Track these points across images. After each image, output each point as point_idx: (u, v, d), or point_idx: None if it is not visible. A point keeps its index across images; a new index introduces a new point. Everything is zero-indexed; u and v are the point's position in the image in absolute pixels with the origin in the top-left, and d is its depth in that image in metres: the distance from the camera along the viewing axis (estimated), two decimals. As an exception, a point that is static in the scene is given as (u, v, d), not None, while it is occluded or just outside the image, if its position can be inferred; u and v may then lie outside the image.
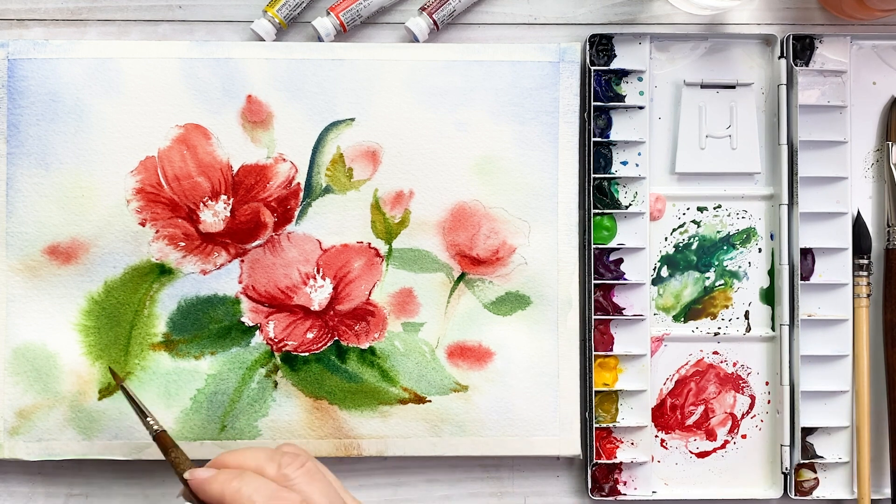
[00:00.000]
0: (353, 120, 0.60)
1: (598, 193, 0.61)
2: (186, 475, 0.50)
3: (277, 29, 0.61)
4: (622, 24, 0.63)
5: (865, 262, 0.61)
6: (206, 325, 0.60)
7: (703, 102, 0.62)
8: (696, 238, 0.62)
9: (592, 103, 0.61)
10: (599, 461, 0.61)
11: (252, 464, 0.49)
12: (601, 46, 0.61)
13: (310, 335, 0.60)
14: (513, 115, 0.60)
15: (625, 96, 0.62)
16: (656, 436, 0.62)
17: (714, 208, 0.62)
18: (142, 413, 0.54)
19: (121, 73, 0.60)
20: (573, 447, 0.60)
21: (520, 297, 0.61)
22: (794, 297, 0.61)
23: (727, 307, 0.62)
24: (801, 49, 0.62)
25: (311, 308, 0.60)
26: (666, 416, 0.62)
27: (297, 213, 0.60)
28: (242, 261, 0.60)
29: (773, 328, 0.62)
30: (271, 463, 0.49)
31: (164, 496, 0.62)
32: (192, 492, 0.50)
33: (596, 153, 0.61)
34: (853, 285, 0.61)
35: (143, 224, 0.60)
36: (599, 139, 0.61)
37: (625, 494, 0.61)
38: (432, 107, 0.60)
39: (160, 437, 0.53)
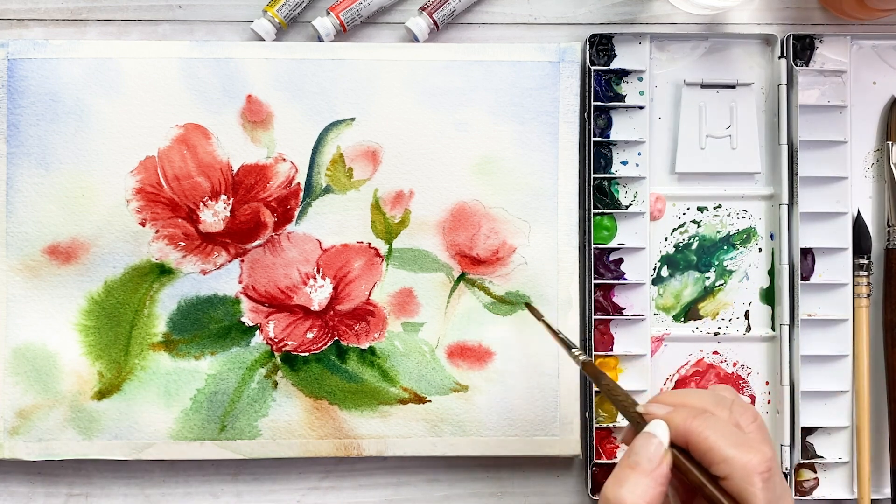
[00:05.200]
0: (353, 120, 0.60)
1: (598, 193, 0.61)
2: (640, 408, 0.45)
3: (277, 29, 0.61)
4: (622, 24, 0.63)
5: (865, 262, 0.61)
6: (206, 325, 0.60)
7: (703, 102, 0.62)
8: (697, 238, 0.62)
9: (592, 103, 0.61)
10: (599, 461, 0.61)
11: (696, 403, 0.44)
12: (601, 46, 0.61)
13: (310, 335, 0.60)
14: (513, 115, 0.60)
15: (625, 96, 0.62)
16: (656, 436, 0.62)
17: (714, 208, 0.62)
18: (567, 345, 0.54)
19: (121, 73, 0.60)
20: (573, 447, 0.60)
21: (520, 297, 0.61)
22: (794, 297, 0.61)
23: (727, 307, 0.62)
24: (801, 49, 0.62)
25: (311, 308, 0.60)
26: (666, 416, 0.62)
27: (297, 213, 0.60)
28: (242, 261, 0.60)
29: (773, 328, 0.62)
30: (721, 408, 0.44)
31: (164, 496, 0.62)
32: (634, 423, 0.46)
33: (596, 153, 0.61)
34: (853, 285, 0.61)
35: (143, 224, 0.60)
36: (599, 139, 0.61)
37: (625, 494, 0.61)
38: (432, 107, 0.60)
39: (586, 366, 0.51)
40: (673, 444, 0.43)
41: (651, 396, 0.47)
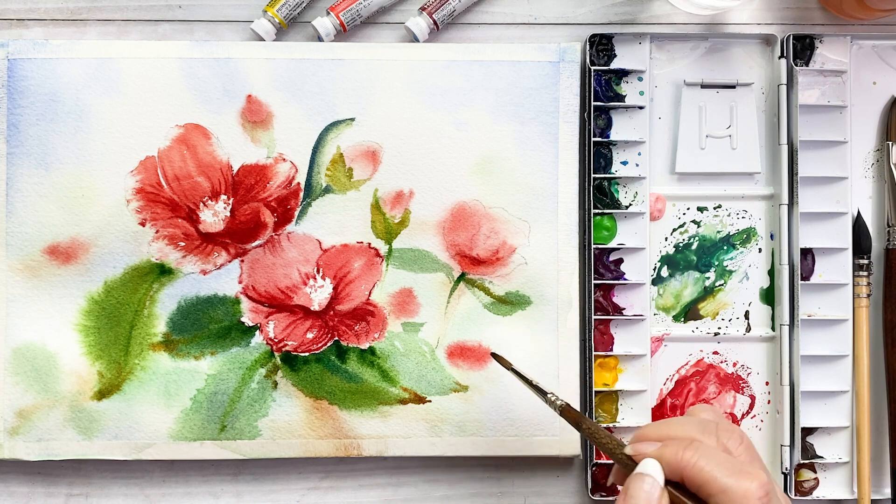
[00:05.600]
0: (353, 120, 0.60)
1: (598, 193, 0.61)
2: (627, 450, 0.44)
3: (277, 29, 0.61)
4: (622, 24, 0.63)
5: (865, 262, 0.61)
6: (206, 325, 0.60)
7: (703, 102, 0.62)
8: (697, 238, 0.62)
9: (592, 103, 0.61)
10: (599, 461, 0.61)
11: (682, 434, 0.43)
12: (601, 46, 0.61)
13: (310, 335, 0.60)
14: (513, 115, 0.60)
15: (625, 96, 0.62)
16: (656, 436, 0.62)
17: (714, 208, 0.62)
18: (541, 392, 0.52)
19: (121, 73, 0.60)
20: (573, 447, 0.60)
21: (520, 297, 0.61)
22: (794, 297, 0.61)
23: (727, 307, 0.62)
24: (801, 49, 0.62)
25: (311, 308, 0.60)
26: (666, 416, 0.62)
27: (297, 213, 0.60)
28: (242, 261, 0.60)
29: (773, 328, 0.62)
30: (707, 434, 0.43)
31: (164, 496, 0.62)
32: (623, 465, 0.44)
33: (596, 153, 0.61)
34: (853, 285, 0.61)
35: (143, 224, 0.60)
36: (599, 139, 0.61)
37: (625, 494, 0.61)
38: (432, 107, 0.60)
39: (566, 412, 0.50)
40: (666, 481, 0.43)
41: (634, 433, 0.46)
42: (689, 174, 0.62)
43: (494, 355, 0.57)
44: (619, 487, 0.44)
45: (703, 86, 0.62)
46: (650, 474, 0.42)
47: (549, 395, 0.52)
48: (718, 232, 0.62)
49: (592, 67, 0.61)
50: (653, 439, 0.44)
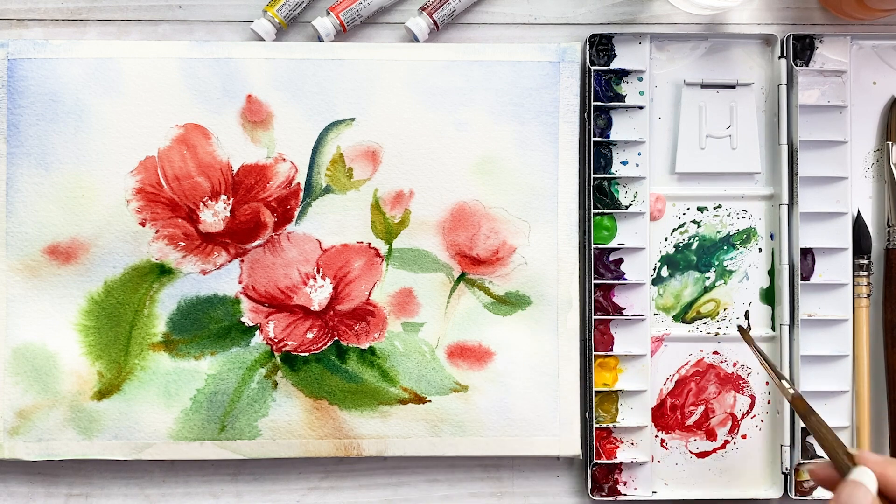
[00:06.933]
0: (353, 120, 0.60)
1: (598, 193, 0.61)
2: (854, 451, 0.46)
3: (277, 29, 0.61)
4: (622, 24, 0.63)
5: (865, 262, 0.61)
6: (206, 325, 0.60)
7: (703, 102, 0.62)
8: (697, 238, 0.62)
9: (592, 103, 0.61)
10: (599, 461, 0.61)
11: None
12: (601, 46, 0.61)
13: (310, 335, 0.60)
14: (513, 115, 0.60)
15: (625, 96, 0.62)
16: (656, 436, 0.62)
17: (714, 208, 0.62)
18: (778, 376, 0.54)
19: (121, 73, 0.60)
20: (573, 447, 0.60)
21: (520, 297, 0.61)
22: (794, 297, 0.61)
23: (727, 307, 0.62)
24: (801, 49, 0.62)
25: (311, 308, 0.60)
26: (666, 416, 0.62)
27: (297, 213, 0.60)
28: (242, 261, 0.60)
29: (773, 328, 0.62)
30: None
31: (164, 496, 0.62)
32: (839, 466, 0.46)
33: (596, 153, 0.61)
34: (853, 285, 0.61)
35: (143, 224, 0.60)
36: (599, 139, 0.61)
37: (625, 494, 0.61)
38: (432, 107, 0.60)
39: (795, 402, 0.52)
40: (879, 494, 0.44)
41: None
42: (689, 174, 0.62)
43: (740, 328, 0.59)
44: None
45: (703, 86, 0.62)
46: (866, 484, 0.44)
47: (783, 382, 0.54)
48: (718, 232, 0.62)
49: (592, 67, 0.61)
50: (876, 458, 0.46)
